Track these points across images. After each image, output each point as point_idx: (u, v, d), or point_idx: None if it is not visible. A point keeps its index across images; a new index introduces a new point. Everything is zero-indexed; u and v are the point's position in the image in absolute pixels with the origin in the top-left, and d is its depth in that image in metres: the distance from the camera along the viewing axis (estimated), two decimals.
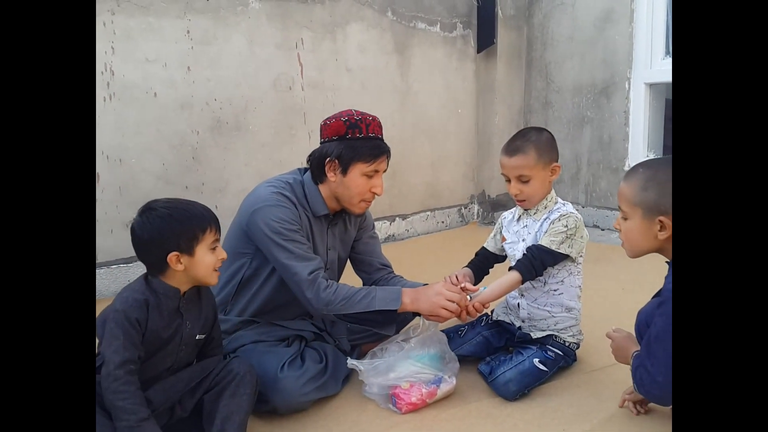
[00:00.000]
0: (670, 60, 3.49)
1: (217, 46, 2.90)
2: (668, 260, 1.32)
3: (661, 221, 1.24)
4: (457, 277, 1.82)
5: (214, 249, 1.41)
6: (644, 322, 1.51)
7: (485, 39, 4.07)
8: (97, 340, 1.34)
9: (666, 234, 1.25)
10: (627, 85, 3.66)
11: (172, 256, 1.34)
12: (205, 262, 1.39)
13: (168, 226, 1.34)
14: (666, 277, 1.31)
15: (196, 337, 1.48)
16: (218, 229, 1.42)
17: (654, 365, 1.23)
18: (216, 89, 2.92)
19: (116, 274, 2.70)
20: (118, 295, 1.38)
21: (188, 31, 2.79)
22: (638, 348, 1.37)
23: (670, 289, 1.20)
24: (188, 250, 1.36)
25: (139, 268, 2.74)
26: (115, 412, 1.24)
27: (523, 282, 1.69)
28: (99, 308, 2.47)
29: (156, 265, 1.38)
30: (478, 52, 4.14)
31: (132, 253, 2.94)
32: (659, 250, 1.31)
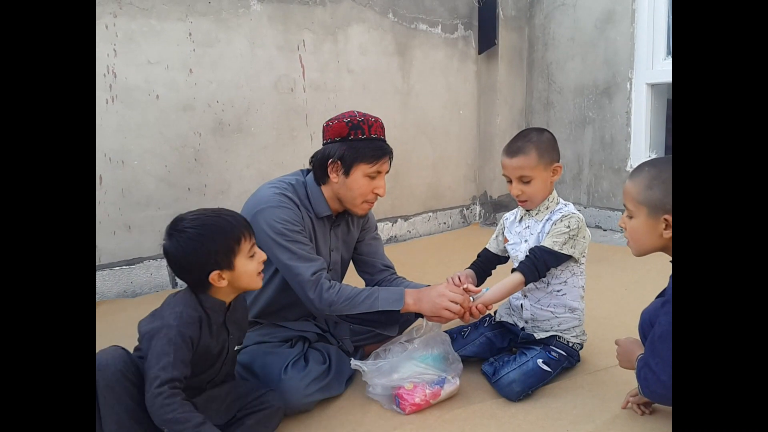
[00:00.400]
0: (671, 60, 3.49)
1: (219, 48, 2.90)
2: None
3: (666, 220, 1.25)
4: (459, 278, 1.82)
5: (252, 255, 1.36)
6: (648, 321, 1.50)
7: (486, 40, 4.07)
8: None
9: (671, 232, 1.25)
10: (628, 86, 3.66)
11: (213, 275, 1.30)
12: (247, 272, 1.35)
13: (202, 247, 1.29)
14: (671, 277, 1.31)
15: (235, 349, 1.47)
16: (252, 232, 1.37)
17: (658, 364, 1.22)
18: (218, 91, 2.92)
19: (118, 275, 2.70)
20: (169, 307, 1.33)
21: (190, 34, 2.80)
22: (643, 351, 1.37)
23: None
24: (228, 265, 1.32)
25: (141, 270, 2.77)
26: (168, 426, 1.21)
27: (526, 283, 1.68)
28: (99, 309, 2.49)
29: (198, 284, 1.34)
30: (480, 53, 4.14)
31: (134, 254, 2.94)
32: (664, 249, 1.31)
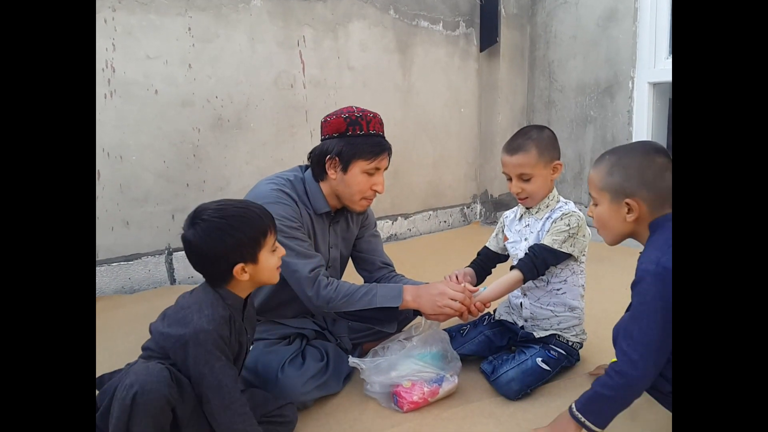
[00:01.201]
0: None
1: (219, 44, 2.89)
2: (641, 251, 1.33)
3: (627, 204, 1.29)
4: (457, 276, 1.81)
5: (274, 250, 1.34)
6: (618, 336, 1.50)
7: (488, 38, 4.06)
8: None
9: (634, 216, 1.29)
10: (630, 85, 3.64)
11: (237, 268, 1.27)
12: (269, 266, 1.32)
13: (230, 238, 1.24)
14: (639, 260, 1.31)
15: (250, 347, 1.44)
16: (275, 227, 1.35)
17: (630, 345, 1.23)
18: (217, 87, 2.91)
19: (116, 271, 2.69)
20: (194, 309, 1.25)
21: (189, 29, 2.79)
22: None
23: (643, 270, 1.24)
24: (252, 258, 1.29)
25: (139, 266, 2.75)
26: None
27: (524, 281, 1.67)
28: (97, 306, 2.47)
29: (219, 277, 1.30)
30: (481, 50, 4.13)
31: (132, 250, 2.92)
32: (633, 234, 1.35)
